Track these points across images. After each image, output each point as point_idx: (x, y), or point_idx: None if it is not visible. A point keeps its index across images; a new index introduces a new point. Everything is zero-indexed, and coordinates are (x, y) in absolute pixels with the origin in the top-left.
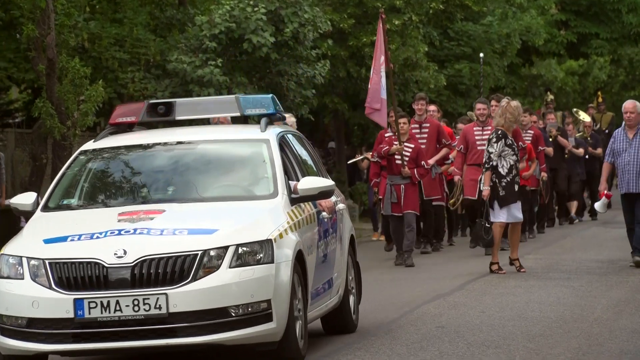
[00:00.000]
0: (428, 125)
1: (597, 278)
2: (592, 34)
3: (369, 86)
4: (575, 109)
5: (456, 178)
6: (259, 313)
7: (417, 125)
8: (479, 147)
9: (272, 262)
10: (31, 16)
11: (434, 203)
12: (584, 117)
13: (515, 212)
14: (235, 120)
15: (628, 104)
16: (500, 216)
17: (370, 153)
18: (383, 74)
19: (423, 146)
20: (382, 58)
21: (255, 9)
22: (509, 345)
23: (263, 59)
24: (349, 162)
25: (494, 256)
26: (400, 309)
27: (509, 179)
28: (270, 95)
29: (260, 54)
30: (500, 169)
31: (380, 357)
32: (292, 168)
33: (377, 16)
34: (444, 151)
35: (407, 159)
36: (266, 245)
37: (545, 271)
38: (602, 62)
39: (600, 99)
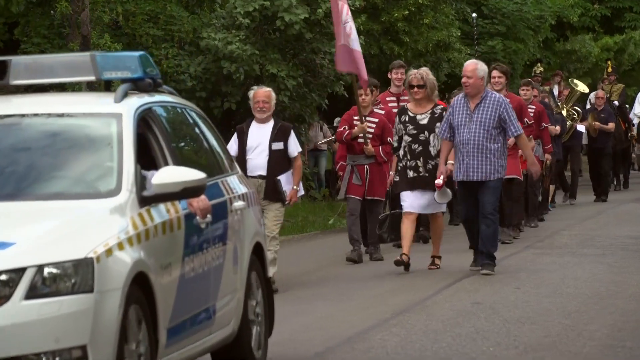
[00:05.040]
0: (407, 97)
1: (631, 254)
2: (626, 8)
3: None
4: (570, 79)
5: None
6: None
7: (394, 98)
8: None
9: (90, 290)
10: None
11: None
12: (582, 87)
13: (407, 202)
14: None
15: (467, 65)
16: (403, 204)
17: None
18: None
19: None
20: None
21: None
22: (544, 322)
23: (296, 37)
24: (319, 143)
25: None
26: (435, 285)
27: (401, 165)
28: (140, 53)
29: (292, 32)
30: (400, 152)
31: (416, 333)
32: (162, 156)
33: None
34: None
35: (370, 135)
36: (83, 266)
37: (580, 247)
38: (638, 39)
39: (610, 69)
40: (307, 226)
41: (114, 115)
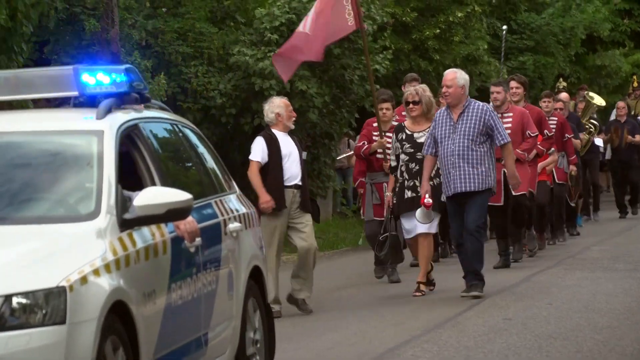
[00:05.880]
0: None
1: None
2: None
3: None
4: (587, 92)
5: None
6: None
7: None
8: None
9: (62, 322)
10: (93, 12)
11: None
12: (598, 101)
13: (408, 225)
14: None
15: (447, 74)
16: (404, 227)
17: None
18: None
19: None
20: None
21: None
22: (576, 337)
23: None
24: (338, 158)
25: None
26: (466, 301)
27: (398, 184)
28: (126, 66)
29: None
30: (398, 171)
31: (448, 350)
32: (149, 175)
33: (441, 9)
34: None
35: (389, 151)
36: (55, 295)
37: (612, 262)
38: None
39: (635, 84)
40: (338, 242)
41: (94, 133)
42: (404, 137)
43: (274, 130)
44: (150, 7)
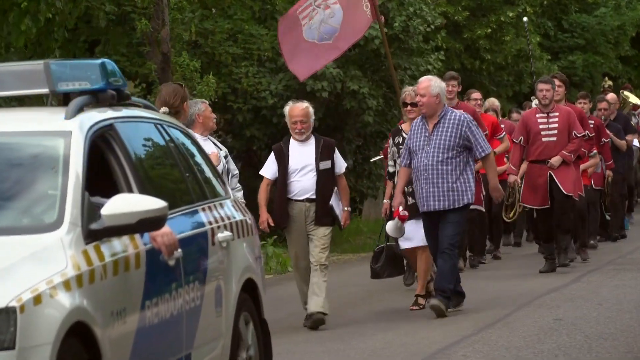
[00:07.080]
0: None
1: None
2: None
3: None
4: (621, 91)
5: (512, 178)
6: None
7: None
8: (543, 139)
9: (11, 347)
10: (143, 11)
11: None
12: (634, 100)
13: (409, 233)
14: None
15: (420, 82)
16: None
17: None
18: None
19: None
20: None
21: None
22: (626, 338)
23: (375, 53)
24: (371, 160)
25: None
26: (516, 301)
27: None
28: (102, 60)
29: (372, 47)
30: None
31: (498, 349)
32: (125, 181)
33: (492, 9)
34: None
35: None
36: (3, 317)
37: None
38: None
39: None
40: None
41: (61, 134)
42: (401, 141)
43: (292, 140)
44: (200, 6)
